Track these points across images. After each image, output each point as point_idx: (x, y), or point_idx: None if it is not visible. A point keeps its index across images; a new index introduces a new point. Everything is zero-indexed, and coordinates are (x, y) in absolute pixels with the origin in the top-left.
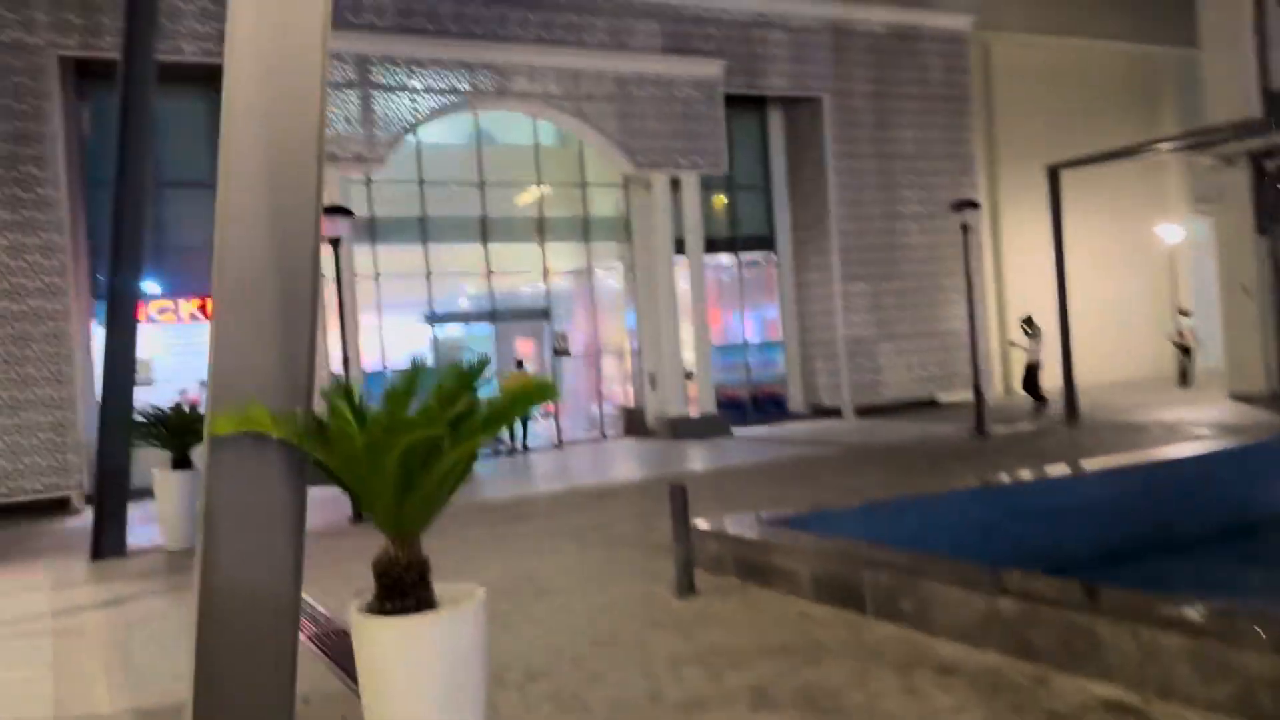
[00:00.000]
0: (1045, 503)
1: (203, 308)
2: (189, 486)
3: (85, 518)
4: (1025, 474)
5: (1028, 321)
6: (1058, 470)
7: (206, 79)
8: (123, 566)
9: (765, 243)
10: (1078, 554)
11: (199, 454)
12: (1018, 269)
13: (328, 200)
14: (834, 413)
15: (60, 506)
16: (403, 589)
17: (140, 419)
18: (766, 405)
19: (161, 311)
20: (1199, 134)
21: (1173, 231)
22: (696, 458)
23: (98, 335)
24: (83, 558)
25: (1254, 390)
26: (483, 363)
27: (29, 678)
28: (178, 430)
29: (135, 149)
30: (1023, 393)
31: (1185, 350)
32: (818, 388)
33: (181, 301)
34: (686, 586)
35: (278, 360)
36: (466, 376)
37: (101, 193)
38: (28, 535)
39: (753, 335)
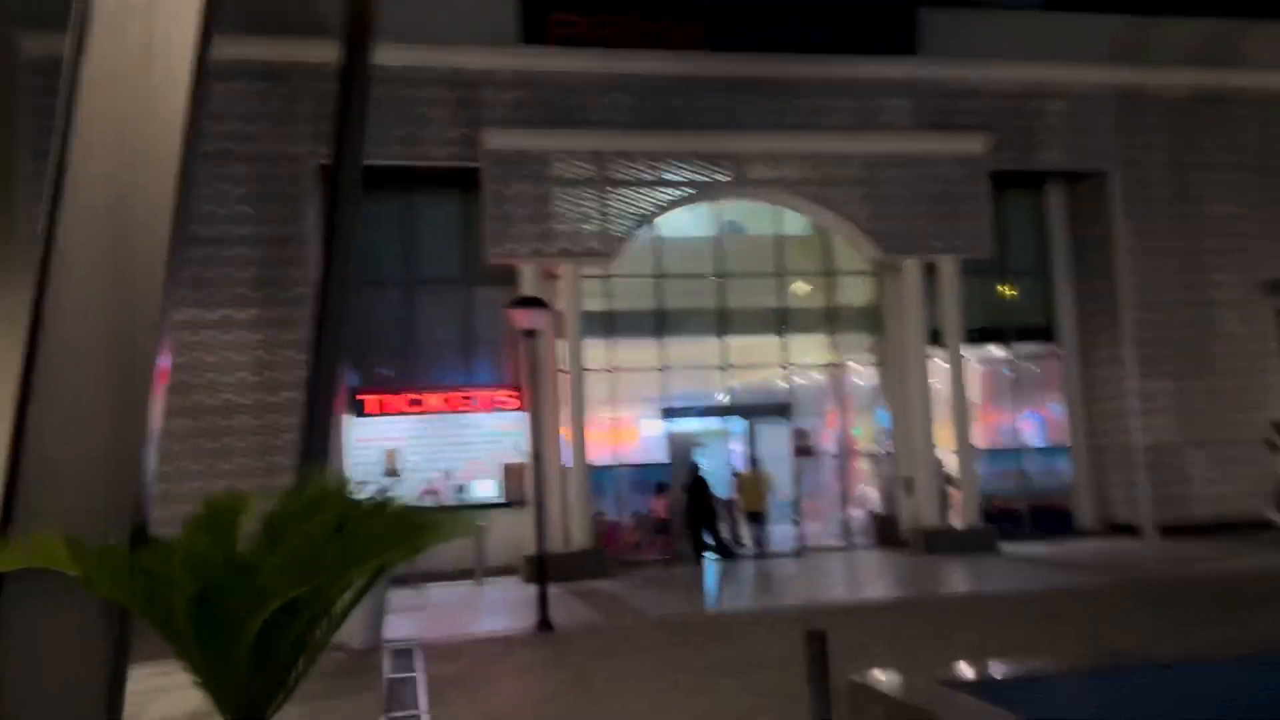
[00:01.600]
0: None
1: (448, 399)
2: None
3: None
4: None
5: (1278, 427)
6: None
7: (456, 182)
8: None
9: (1045, 333)
10: None
11: None
12: None
13: (564, 296)
14: (1131, 531)
15: None
16: None
17: None
18: (1047, 519)
19: (411, 403)
20: None
21: None
22: (947, 579)
23: (349, 424)
24: None
25: None
26: (335, 486)
27: None
28: None
29: (340, 248)
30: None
31: None
32: (1112, 501)
33: (429, 394)
34: None
35: (102, 478)
36: (315, 500)
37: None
38: None
39: (1032, 438)
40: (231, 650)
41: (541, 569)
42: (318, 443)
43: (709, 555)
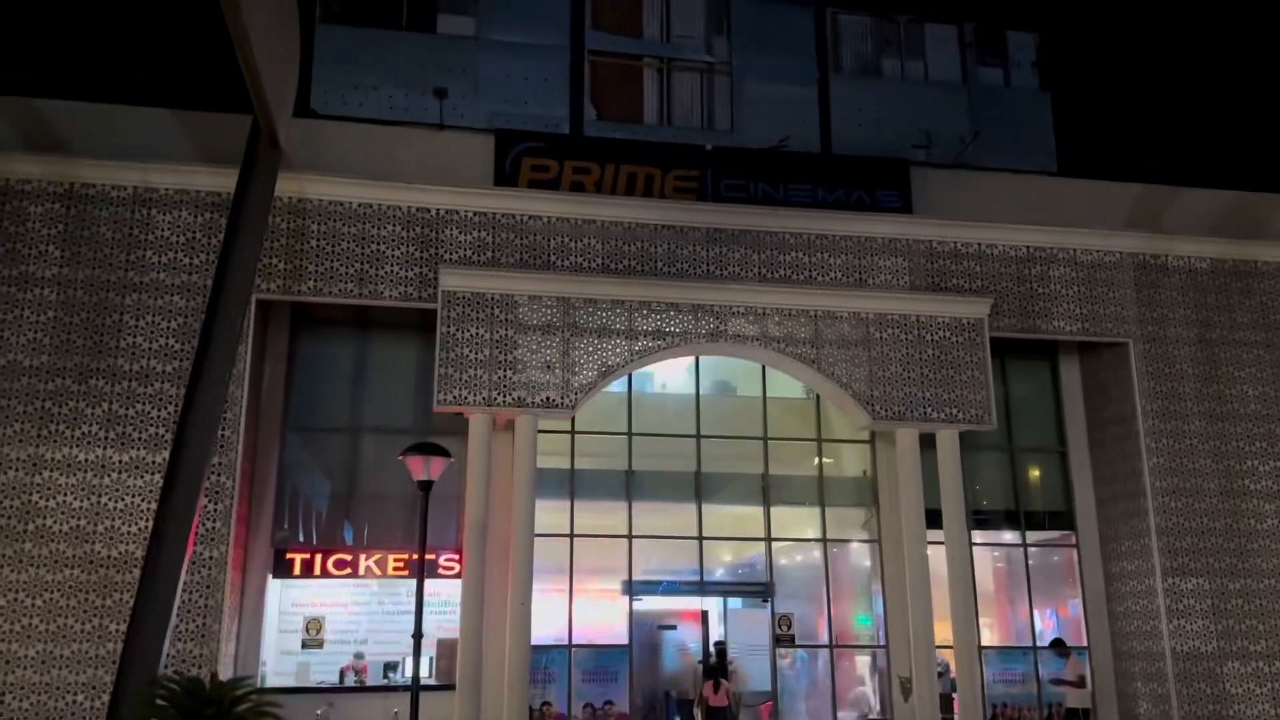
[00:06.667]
0: None
1: (381, 561)
2: None
3: None
4: None
5: (1057, 644)
6: None
7: (417, 325)
8: None
9: (1062, 520)
10: None
11: None
12: None
13: (519, 453)
14: None
15: None
16: None
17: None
18: None
19: (339, 565)
20: None
21: None
22: None
23: (274, 588)
24: None
25: None
26: None
27: None
28: (190, 708)
29: (210, 380)
30: None
31: None
32: (1138, 716)
33: (363, 554)
34: None
35: None
36: None
37: (301, 437)
38: None
39: (1049, 637)
40: None
41: None
42: (157, 602)
43: None
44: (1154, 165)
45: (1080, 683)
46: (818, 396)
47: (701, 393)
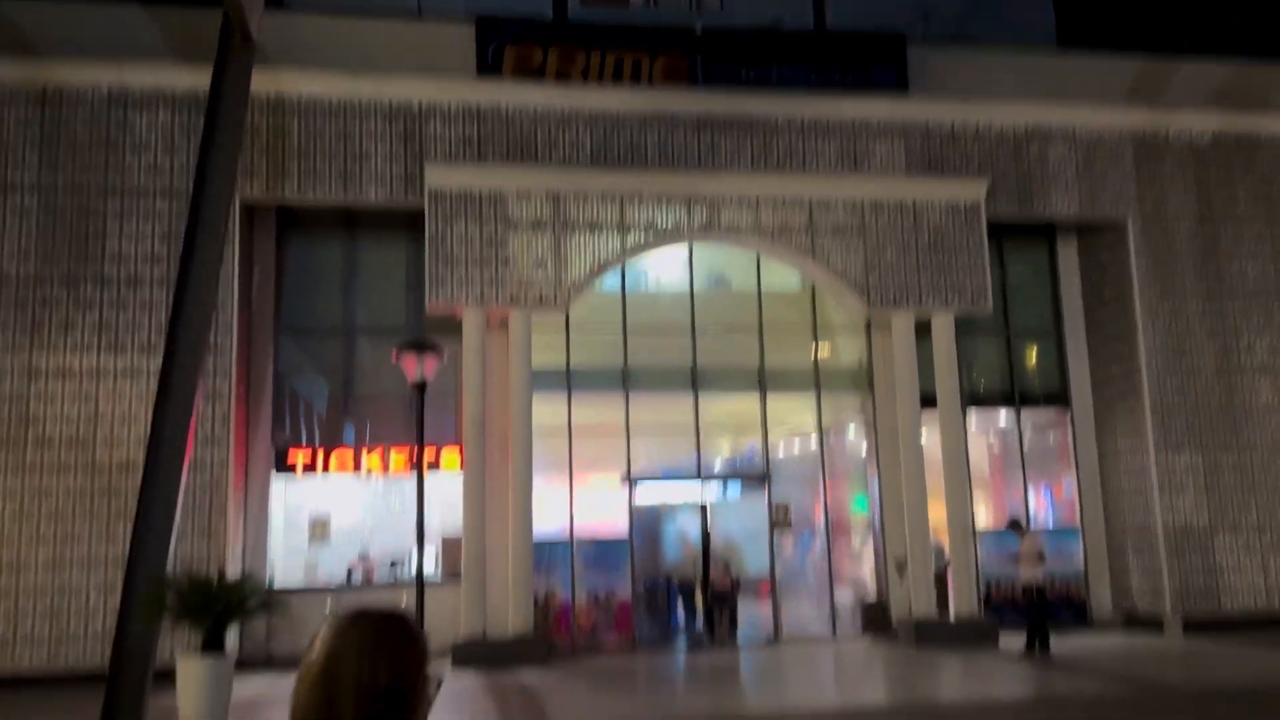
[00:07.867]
0: None
1: (383, 456)
2: (216, 675)
3: None
4: None
5: (1014, 524)
6: None
7: (405, 225)
8: None
9: (1056, 398)
10: None
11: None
12: None
13: (514, 349)
14: (1153, 624)
15: None
16: None
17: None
18: (1057, 610)
19: (341, 462)
20: None
21: None
22: (920, 683)
23: (278, 487)
24: None
25: None
26: None
27: None
28: (199, 605)
29: (197, 281)
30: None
31: None
32: (1130, 590)
33: (365, 451)
34: None
35: None
36: None
37: (295, 340)
38: None
39: (1043, 518)
40: None
41: None
42: (160, 503)
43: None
44: (1156, 34)
45: (1039, 559)
46: (813, 287)
47: (696, 287)
